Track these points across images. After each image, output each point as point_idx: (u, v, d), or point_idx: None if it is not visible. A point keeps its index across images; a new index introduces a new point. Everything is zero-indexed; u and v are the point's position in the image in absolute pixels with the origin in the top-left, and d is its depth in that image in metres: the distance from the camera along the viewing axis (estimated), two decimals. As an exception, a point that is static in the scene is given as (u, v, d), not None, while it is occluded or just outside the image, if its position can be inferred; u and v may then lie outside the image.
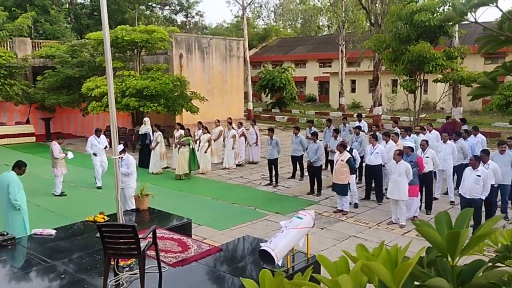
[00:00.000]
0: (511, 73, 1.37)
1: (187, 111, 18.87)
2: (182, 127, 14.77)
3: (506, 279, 0.99)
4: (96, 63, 21.04)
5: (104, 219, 7.36)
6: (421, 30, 16.64)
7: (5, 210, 7.47)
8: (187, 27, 49.30)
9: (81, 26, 37.76)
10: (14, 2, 32.52)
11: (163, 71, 20.28)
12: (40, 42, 25.87)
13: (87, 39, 20.79)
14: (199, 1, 52.22)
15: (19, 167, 7.64)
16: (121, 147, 9.47)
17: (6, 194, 7.34)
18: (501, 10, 1.54)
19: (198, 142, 14.73)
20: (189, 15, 50.34)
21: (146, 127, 15.68)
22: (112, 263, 5.38)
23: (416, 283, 1.02)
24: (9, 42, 24.02)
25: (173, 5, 47.79)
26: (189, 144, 13.86)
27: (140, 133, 16.11)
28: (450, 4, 16.71)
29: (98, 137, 13.06)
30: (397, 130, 13.19)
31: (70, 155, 11.98)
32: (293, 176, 13.69)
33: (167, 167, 15.08)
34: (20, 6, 31.84)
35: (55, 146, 11.85)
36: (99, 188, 12.62)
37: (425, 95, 25.79)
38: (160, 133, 14.86)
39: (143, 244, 5.22)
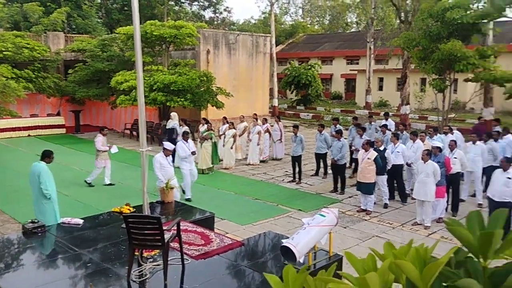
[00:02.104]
0: None
1: (212, 106, 19.01)
2: (207, 122, 14.89)
3: None
4: (125, 57, 21.42)
5: (130, 210, 7.50)
6: (453, 28, 16.23)
7: (36, 199, 7.72)
8: (215, 23, 49.55)
9: (111, 21, 38.47)
10: (49, -3, 33.40)
11: (190, 66, 20.48)
12: (72, 37, 26.52)
13: (117, 33, 21.18)
14: (227, -3, 52.37)
15: (48, 156, 7.86)
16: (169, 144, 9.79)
17: (38, 183, 7.58)
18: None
19: (223, 137, 14.82)
20: (217, 11, 50.58)
21: (173, 122, 15.89)
22: (137, 253, 5.50)
23: (444, 284, 1.00)
24: (44, 36, 24.73)
25: (202, 1, 48.10)
26: (211, 138, 13.98)
27: (167, 127, 16.34)
28: (485, 0, 16.24)
29: (186, 141, 11.28)
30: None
31: (114, 149, 12.00)
32: (317, 174, 13.63)
33: (192, 161, 15.22)
34: (55, 1, 32.67)
35: (99, 138, 12.04)
36: (188, 200, 10.53)
37: (455, 94, 25.15)
38: (186, 127, 15.00)
39: (167, 236, 5.31)
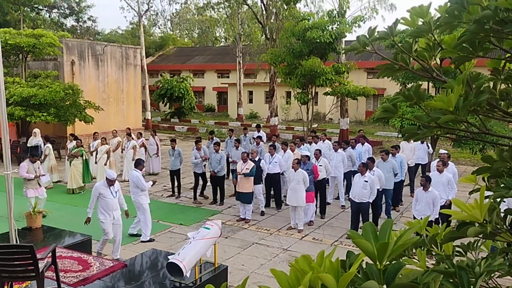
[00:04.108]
0: (409, 101, 1.66)
1: (80, 121, 17.86)
2: (76, 138, 13.95)
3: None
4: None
5: (-10, 240, 6.70)
6: (313, 46, 17.87)
7: None
8: (78, 32, 46.58)
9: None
10: None
11: (52, 78, 18.96)
12: None
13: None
14: (91, 5, 49.61)
15: None
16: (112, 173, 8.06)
17: None
18: (396, 44, 1.85)
19: (95, 153, 14.02)
20: (80, 19, 47.61)
21: (36, 139, 14.57)
22: (6, 287, 4.95)
23: None
24: None
25: (62, 8, 44.82)
26: (82, 156, 13.17)
27: (29, 145, 14.87)
28: (338, 23, 18.25)
29: (141, 170, 9.52)
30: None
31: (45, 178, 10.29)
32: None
33: (58, 181, 14.10)
34: None
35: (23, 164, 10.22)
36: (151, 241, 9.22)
37: (316, 106, 27.57)
38: (48, 145, 13.84)
39: (41, 265, 4.91)
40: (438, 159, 10.07)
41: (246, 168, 10.22)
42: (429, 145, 14.14)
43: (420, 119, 1.69)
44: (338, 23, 18.22)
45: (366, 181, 9.24)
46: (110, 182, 7.95)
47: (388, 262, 1.17)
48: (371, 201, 9.34)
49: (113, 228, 7.94)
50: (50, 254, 5.17)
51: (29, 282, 5.37)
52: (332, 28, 18.04)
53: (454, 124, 1.60)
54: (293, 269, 1.11)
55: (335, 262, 1.09)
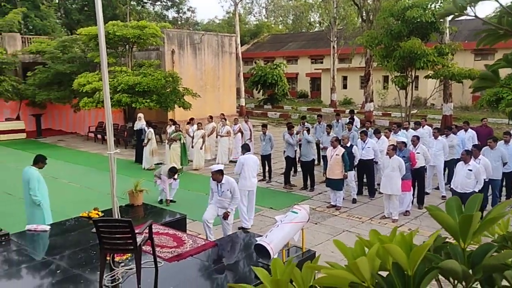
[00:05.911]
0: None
1: (179, 107, 18.84)
2: (174, 123, 14.75)
3: None
4: (87, 58, 20.89)
5: (98, 215, 7.35)
6: (413, 26, 16.76)
7: (27, 205, 7.66)
8: (179, 23, 49.08)
9: (71, 21, 37.41)
10: (3, -3, 32.15)
11: (155, 67, 20.21)
12: (30, 38, 25.58)
13: (78, 34, 20.61)
14: (190, -4, 51.89)
15: (40, 161, 7.72)
16: (218, 166, 7.91)
17: (28, 189, 7.50)
18: (500, 4, 1.57)
19: (192, 138, 14.73)
20: (180, 11, 50.14)
21: (141, 123, 15.73)
22: (108, 258, 5.38)
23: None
24: (-1, 37, 23.77)
25: (164, 0, 47.52)
26: (180, 139, 13.87)
27: (135, 128, 16.16)
28: (442, 1, 16.85)
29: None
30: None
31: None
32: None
33: (160, 163, 15.03)
34: (10, 1, 31.47)
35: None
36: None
37: (416, 91, 25.96)
38: (151, 129, 14.80)
39: (139, 239, 5.23)
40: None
41: (336, 155, 9.95)
42: None
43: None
44: (442, 0, 16.82)
45: (470, 170, 8.47)
46: (213, 176, 7.59)
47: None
48: (477, 190, 8.53)
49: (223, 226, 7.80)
50: (147, 230, 5.49)
51: (129, 254, 5.77)
52: (434, 6, 16.72)
53: None
54: (359, 242, 0.98)
55: (408, 236, 0.94)
